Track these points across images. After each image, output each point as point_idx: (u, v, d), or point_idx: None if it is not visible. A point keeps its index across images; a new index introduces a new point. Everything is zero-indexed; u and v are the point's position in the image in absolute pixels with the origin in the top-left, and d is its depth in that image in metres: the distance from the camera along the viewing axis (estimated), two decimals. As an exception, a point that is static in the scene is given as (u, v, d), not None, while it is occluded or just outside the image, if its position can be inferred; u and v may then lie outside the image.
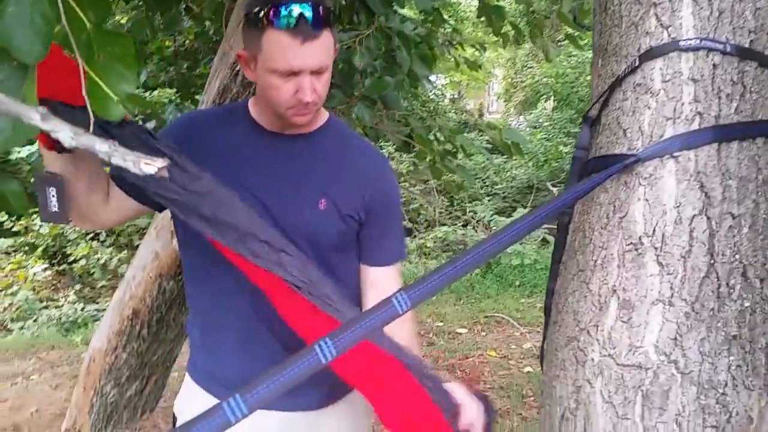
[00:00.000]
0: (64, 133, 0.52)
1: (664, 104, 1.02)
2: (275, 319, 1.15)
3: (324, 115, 1.31)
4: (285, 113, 1.16)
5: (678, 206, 0.97)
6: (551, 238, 7.64)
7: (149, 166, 0.55)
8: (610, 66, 1.16)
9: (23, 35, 0.79)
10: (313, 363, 0.73)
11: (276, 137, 1.25)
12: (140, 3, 2.69)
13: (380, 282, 1.29)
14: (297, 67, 1.09)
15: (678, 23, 1.03)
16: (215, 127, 1.28)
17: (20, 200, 1.50)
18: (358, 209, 1.26)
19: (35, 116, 0.51)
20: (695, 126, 1.00)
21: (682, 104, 1.01)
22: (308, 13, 1.06)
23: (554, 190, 9.44)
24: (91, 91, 0.90)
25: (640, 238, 0.97)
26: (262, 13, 1.07)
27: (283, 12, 1.06)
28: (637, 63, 1.07)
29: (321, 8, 1.07)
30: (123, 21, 3.32)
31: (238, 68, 2.20)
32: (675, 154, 0.99)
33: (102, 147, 0.53)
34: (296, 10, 1.05)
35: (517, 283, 6.88)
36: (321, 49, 1.10)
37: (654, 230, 0.96)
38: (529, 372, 4.16)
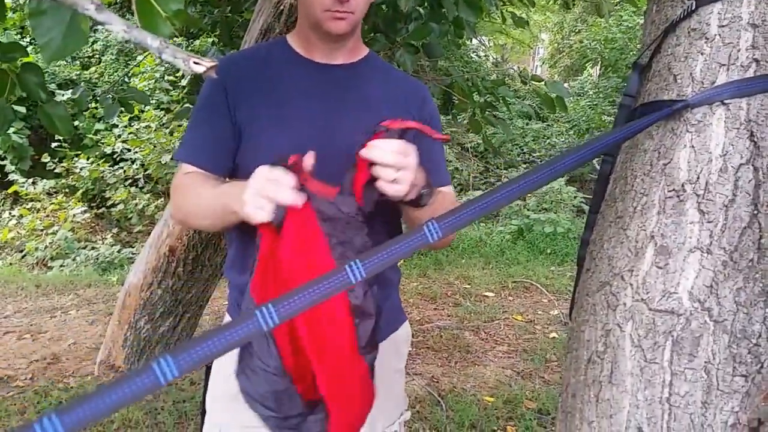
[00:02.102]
0: (117, 26, 0.53)
1: (719, 50, 0.99)
2: None
3: (364, 49, 1.35)
4: (322, 18, 1.18)
5: (725, 154, 0.94)
6: (587, 208, 7.55)
7: (199, 65, 0.56)
8: (664, 11, 1.12)
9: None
10: (344, 281, 0.74)
11: (322, 68, 1.26)
12: (187, -59, 2.68)
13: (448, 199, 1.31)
14: None
15: (741, -35, 0.99)
16: (258, 65, 1.28)
17: (66, 124, 1.55)
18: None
19: (90, 7, 0.52)
20: (750, 73, 0.96)
21: (738, 50, 0.97)
22: None
23: (594, 161, 9.27)
24: (140, 8, 0.91)
25: (682, 185, 0.95)
26: None
27: None
28: (693, 7, 1.03)
29: None
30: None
31: (282, 7, 2.19)
32: (726, 101, 0.96)
33: (153, 42, 0.54)
34: None
35: (549, 251, 6.84)
36: None
37: (698, 177, 0.94)
38: (554, 338, 4.17)
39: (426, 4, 2.35)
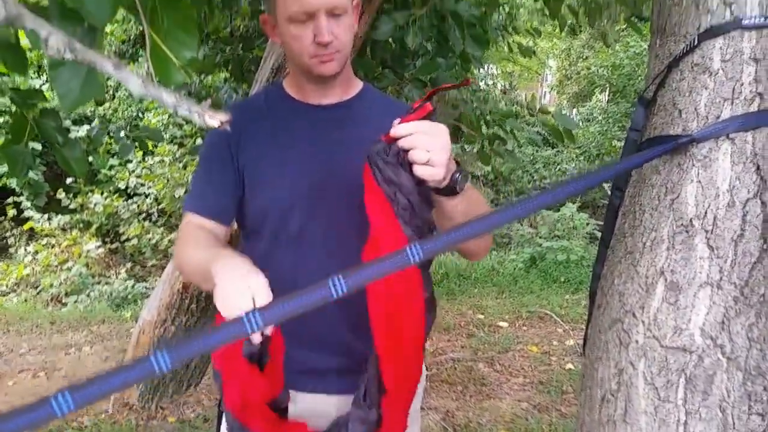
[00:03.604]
0: (134, 82, 0.55)
1: (723, 84, 1.00)
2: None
3: (359, 84, 1.35)
4: (310, 63, 1.19)
5: (732, 189, 0.94)
6: (600, 235, 7.49)
7: (213, 119, 0.57)
8: (668, 46, 1.14)
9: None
10: (324, 295, 0.76)
11: (318, 109, 1.28)
12: (199, -18, 2.75)
13: None
14: (309, 7, 1.12)
15: (742, 0, 1.00)
16: (259, 112, 1.31)
17: (82, 165, 1.58)
18: None
19: (108, 65, 0.54)
20: (754, 107, 0.97)
21: (742, 85, 0.98)
22: None
23: (606, 186, 9.24)
24: (154, 55, 0.94)
25: (691, 220, 0.95)
26: None
27: None
28: (696, 42, 1.05)
29: None
30: None
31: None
32: (731, 135, 0.96)
33: (169, 98, 0.56)
34: None
35: (562, 279, 6.77)
36: None
37: (706, 213, 0.94)
38: (570, 369, 4.11)
39: (433, 39, 2.39)
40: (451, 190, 1.07)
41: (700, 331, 0.90)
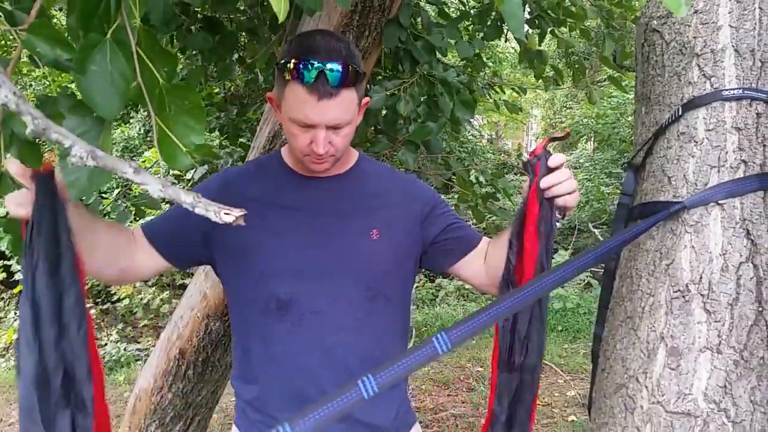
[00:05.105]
0: (153, 185, 0.58)
1: (708, 153, 1.04)
2: (327, 363, 1.20)
3: (354, 155, 1.37)
4: (302, 159, 1.22)
5: (724, 254, 0.97)
6: (594, 282, 7.50)
7: (228, 215, 0.60)
8: (653, 114, 1.19)
9: (103, 92, 0.86)
10: (356, 397, 0.76)
11: (313, 180, 1.29)
12: (195, 53, 2.82)
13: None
14: (312, 122, 1.13)
15: (721, 73, 1.06)
16: (251, 179, 1.33)
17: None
18: (412, 228, 1.31)
19: (128, 170, 0.57)
20: (740, 174, 1.01)
21: (726, 153, 1.03)
22: (329, 72, 1.08)
23: (596, 231, 9.30)
24: (161, 142, 0.97)
25: (687, 285, 0.98)
26: (288, 65, 1.11)
27: (305, 68, 1.09)
28: (680, 112, 1.10)
29: (343, 67, 1.09)
30: (177, 70, 3.47)
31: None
32: (720, 201, 1.00)
33: (187, 198, 0.58)
34: (317, 68, 1.08)
35: (560, 328, 6.76)
36: (338, 107, 1.12)
37: (701, 277, 0.97)
38: (573, 420, 4.06)
39: (423, 104, 2.45)
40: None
41: (703, 395, 0.91)
